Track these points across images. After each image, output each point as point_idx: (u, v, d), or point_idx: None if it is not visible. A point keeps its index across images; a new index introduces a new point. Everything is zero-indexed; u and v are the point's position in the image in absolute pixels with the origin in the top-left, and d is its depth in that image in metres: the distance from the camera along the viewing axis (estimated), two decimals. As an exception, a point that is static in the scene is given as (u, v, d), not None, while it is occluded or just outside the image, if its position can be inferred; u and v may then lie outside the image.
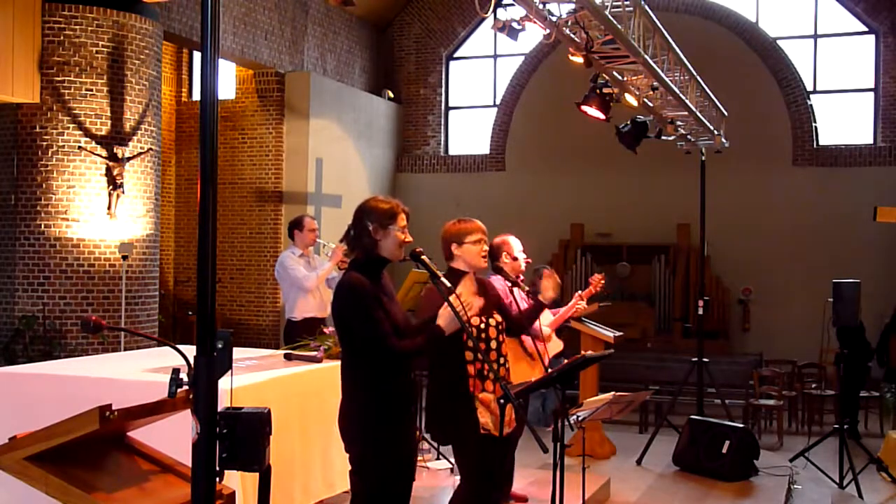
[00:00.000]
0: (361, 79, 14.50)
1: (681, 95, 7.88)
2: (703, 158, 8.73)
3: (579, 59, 6.43)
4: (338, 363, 3.73)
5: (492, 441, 4.15)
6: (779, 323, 12.75)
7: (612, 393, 4.68)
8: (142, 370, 4.84)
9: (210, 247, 2.48)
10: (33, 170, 9.13)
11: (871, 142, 13.11)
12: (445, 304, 3.55)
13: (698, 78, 8.38)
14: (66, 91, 9.12)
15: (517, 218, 11.84)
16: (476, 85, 15.10)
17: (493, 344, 4.27)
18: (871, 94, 13.19)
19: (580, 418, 4.49)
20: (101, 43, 9.21)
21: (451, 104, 15.19)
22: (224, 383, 2.52)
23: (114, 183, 9.22)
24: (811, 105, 13.20)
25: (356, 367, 3.58)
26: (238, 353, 5.00)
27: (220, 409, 2.51)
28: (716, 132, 9.21)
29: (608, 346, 7.26)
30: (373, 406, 3.52)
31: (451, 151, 15.10)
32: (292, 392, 4.96)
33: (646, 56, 6.83)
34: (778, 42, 13.37)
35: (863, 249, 12.38)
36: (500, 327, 4.35)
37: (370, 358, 3.52)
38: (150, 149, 9.70)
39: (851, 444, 7.73)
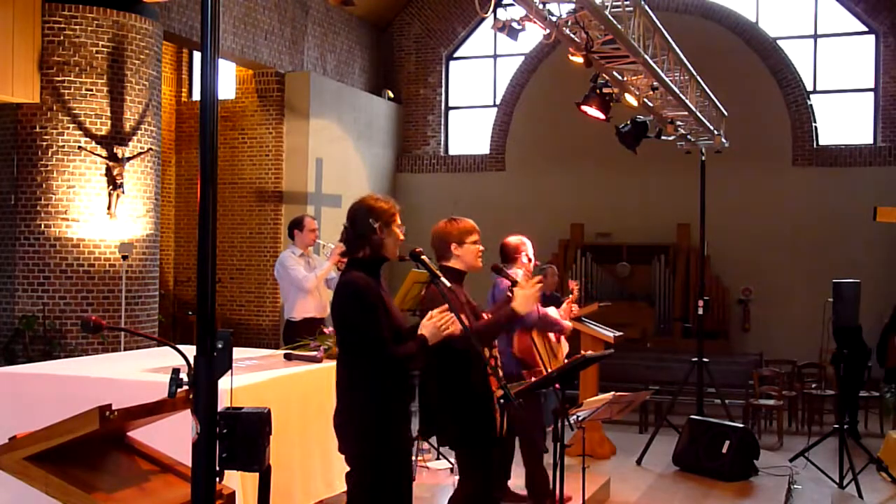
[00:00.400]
0: (361, 79, 14.49)
1: (681, 95, 7.87)
2: (703, 158, 8.74)
3: (579, 59, 6.43)
4: (338, 363, 3.73)
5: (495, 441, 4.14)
6: (779, 323, 12.74)
7: (612, 393, 4.69)
8: (142, 370, 4.83)
9: (210, 247, 2.48)
10: (33, 170, 9.13)
11: (870, 142, 13.10)
12: (427, 316, 3.58)
13: (698, 78, 8.38)
14: (66, 91, 9.12)
15: (517, 218, 11.84)
16: (476, 85, 15.09)
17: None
18: (871, 94, 13.18)
19: (580, 418, 4.49)
20: (101, 43, 9.22)
21: (451, 104, 15.18)
22: (224, 383, 2.52)
23: (114, 183, 9.23)
24: (811, 105, 13.19)
25: (352, 367, 3.59)
26: (238, 353, 5.00)
27: (219, 409, 2.51)
28: (716, 132, 9.21)
29: (608, 346, 7.27)
30: (370, 405, 3.52)
31: (451, 151, 15.09)
32: (292, 392, 4.96)
33: (646, 56, 6.83)
34: (778, 42, 13.36)
35: (863, 249, 12.37)
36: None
37: (367, 357, 3.53)
38: (150, 149, 9.71)
39: (851, 444, 7.72)
